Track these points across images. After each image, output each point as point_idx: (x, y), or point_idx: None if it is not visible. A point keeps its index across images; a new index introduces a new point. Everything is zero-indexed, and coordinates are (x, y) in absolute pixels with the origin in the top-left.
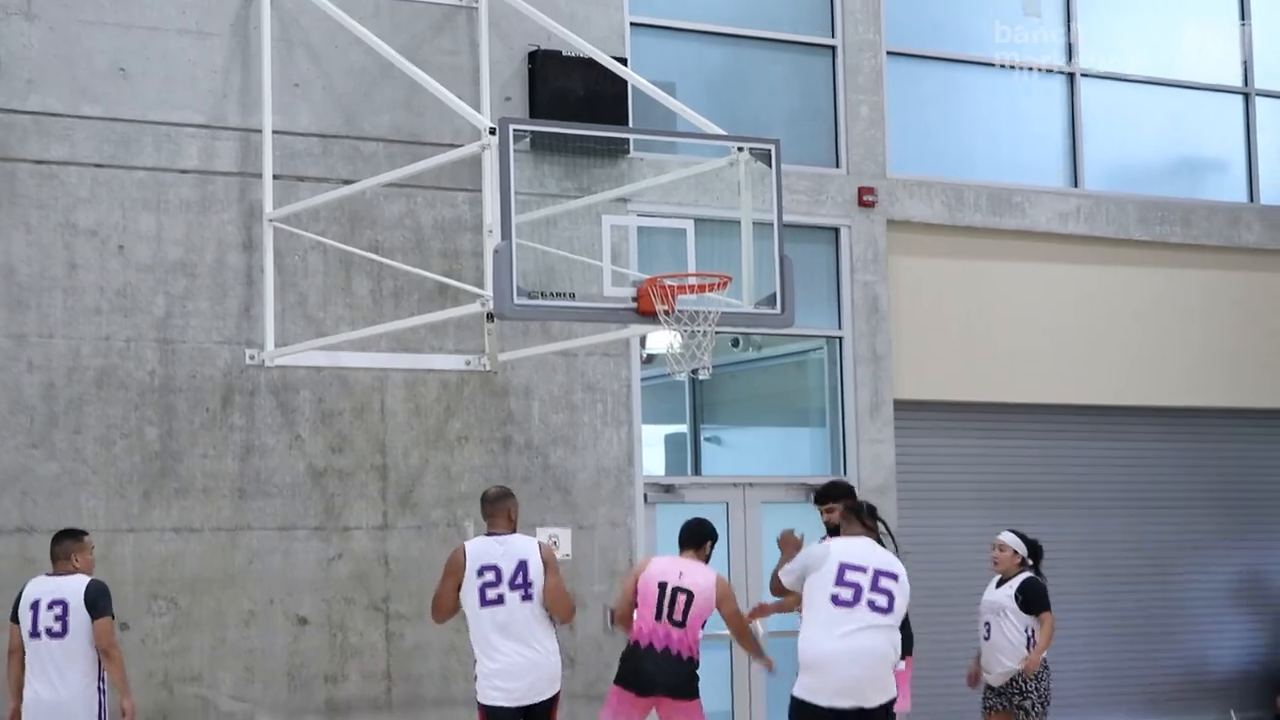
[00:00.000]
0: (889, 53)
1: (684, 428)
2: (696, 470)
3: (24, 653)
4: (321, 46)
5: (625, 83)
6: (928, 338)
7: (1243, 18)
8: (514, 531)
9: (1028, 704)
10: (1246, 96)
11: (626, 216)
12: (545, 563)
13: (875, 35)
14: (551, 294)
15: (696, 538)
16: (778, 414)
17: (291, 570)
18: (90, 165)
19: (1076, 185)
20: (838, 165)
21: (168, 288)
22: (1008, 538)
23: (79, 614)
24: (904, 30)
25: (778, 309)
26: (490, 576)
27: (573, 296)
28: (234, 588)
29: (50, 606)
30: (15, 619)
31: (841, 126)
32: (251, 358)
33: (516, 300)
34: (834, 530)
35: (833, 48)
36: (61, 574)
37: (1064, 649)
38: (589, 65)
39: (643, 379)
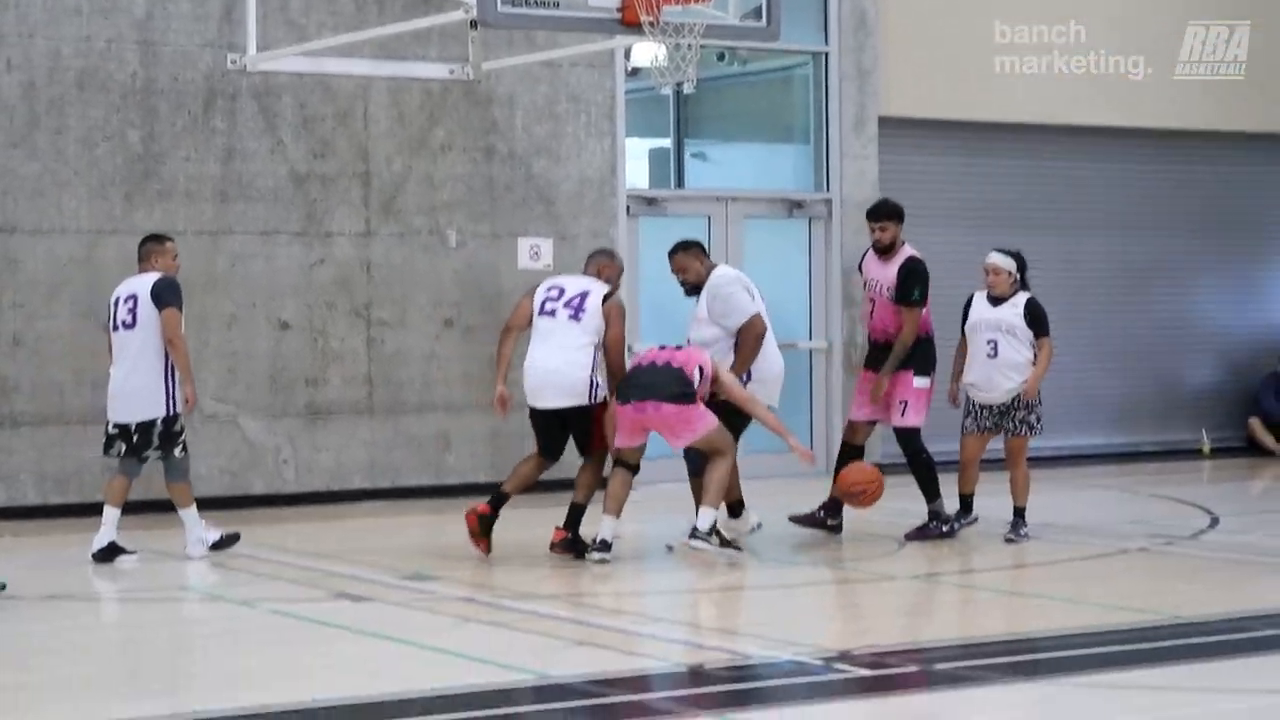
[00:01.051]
0: None
1: (668, 141)
2: (680, 184)
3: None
4: None
5: None
6: (916, 54)
7: None
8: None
9: (1032, 418)
10: None
11: None
12: (608, 313)
13: None
14: (536, 2)
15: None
16: (762, 129)
17: (274, 275)
18: None
19: None
20: None
21: None
22: (1000, 260)
23: (146, 307)
24: None
25: (764, 22)
26: (554, 294)
27: (557, 5)
28: (216, 291)
29: (125, 301)
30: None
31: None
32: (233, 62)
33: (500, 8)
34: (883, 250)
35: None
36: (142, 273)
37: None
38: None
39: (627, 91)
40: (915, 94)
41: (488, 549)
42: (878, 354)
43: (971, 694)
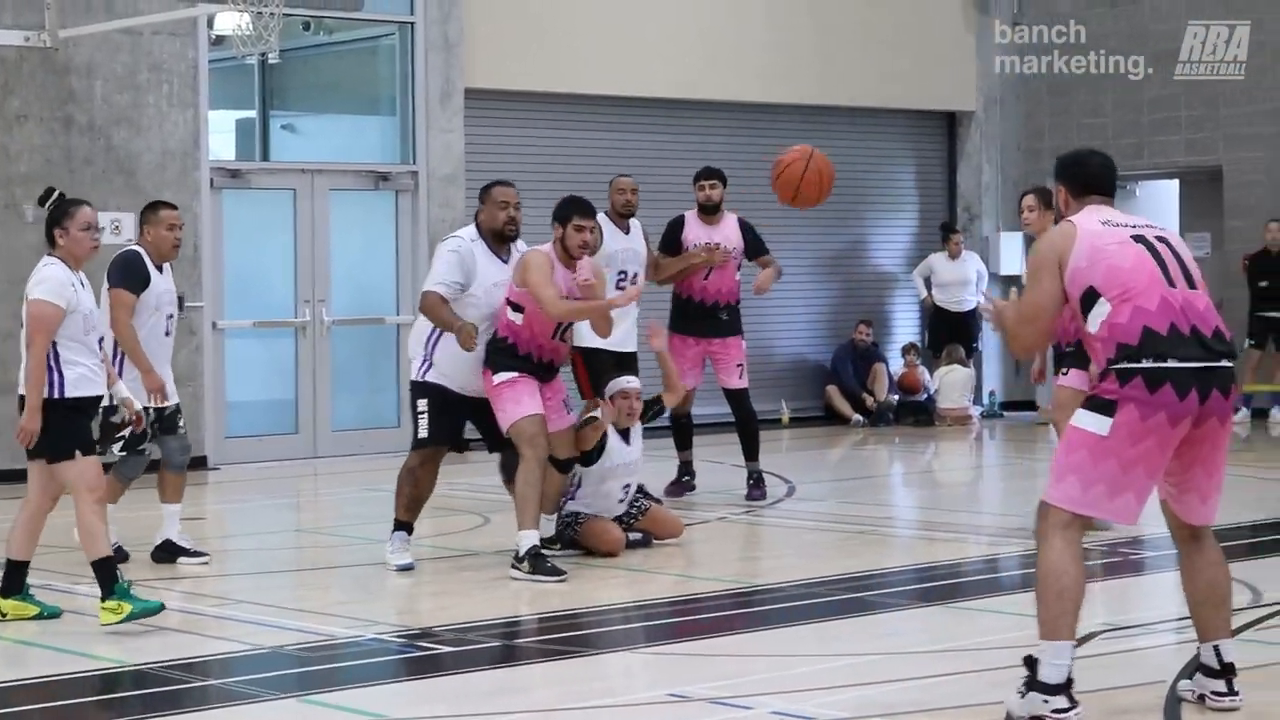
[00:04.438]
0: None
1: (253, 112)
2: (265, 156)
3: None
4: None
5: None
6: (502, 26)
7: None
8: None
9: None
10: None
11: None
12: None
13: None
14: None
15: None
16: (349, 100)
17: None
18: None
19: None
20: None
21: None
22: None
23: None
24: None
25: None
26: None
27: None
28: None
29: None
30: None
31: None
32: None
33: None
34: (713, 209)
35: None
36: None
37: None
38: None
39: (211, 60)
40: (502, 66)
41: None
42: (710, 318)
43: (534, 670)
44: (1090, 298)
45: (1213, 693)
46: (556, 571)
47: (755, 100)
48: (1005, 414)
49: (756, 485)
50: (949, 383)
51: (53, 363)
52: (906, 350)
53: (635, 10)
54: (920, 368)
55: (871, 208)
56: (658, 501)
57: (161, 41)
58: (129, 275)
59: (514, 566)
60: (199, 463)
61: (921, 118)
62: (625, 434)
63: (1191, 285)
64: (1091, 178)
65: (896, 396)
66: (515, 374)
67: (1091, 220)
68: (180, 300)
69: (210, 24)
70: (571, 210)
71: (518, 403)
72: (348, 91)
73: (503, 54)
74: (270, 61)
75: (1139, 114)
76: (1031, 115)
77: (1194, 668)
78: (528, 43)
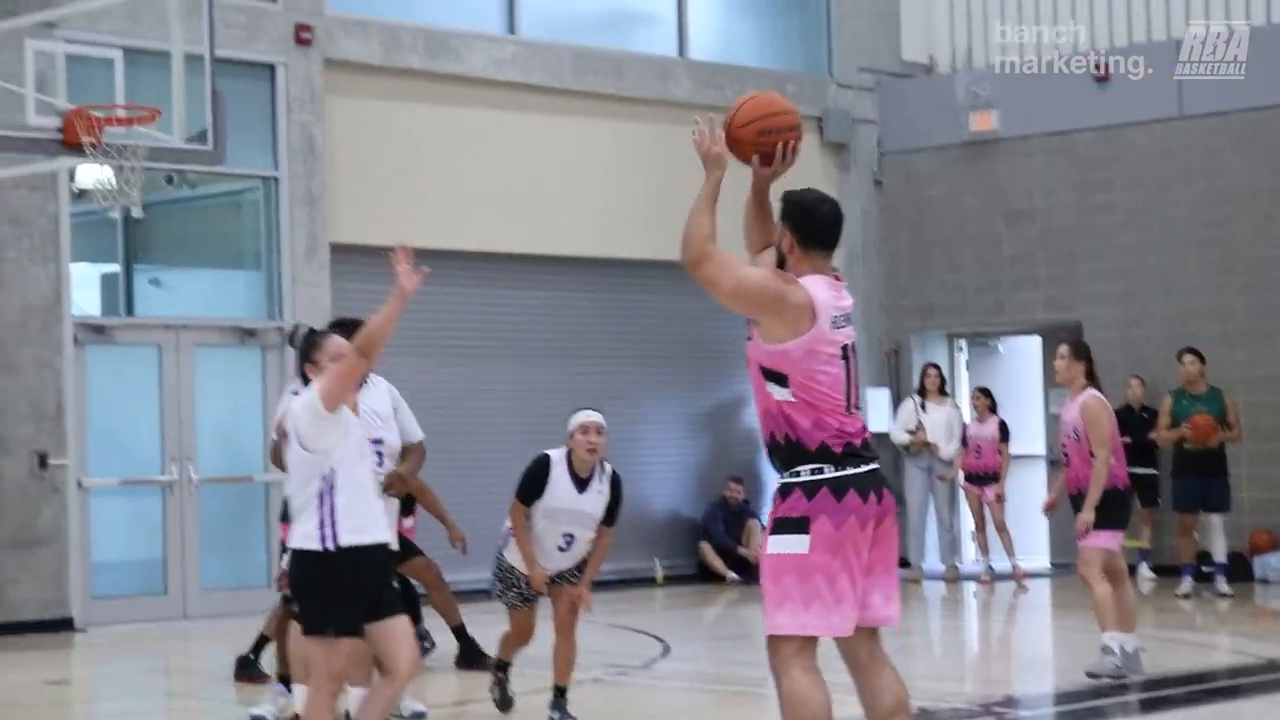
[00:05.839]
0: None
1: (117, 267)
2: (129, 311)
3: None
4: None
5: None
6: (365, 181)
7: None
8: None
9: None
10: None
11: (54, 42)
12: None
13: None
14: None
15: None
16: (214, 255)
17: None
18: None
19: (513, 32)
20: (274, 1)
21: None
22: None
23: None
24: None
25: (209, 145)
26: None
27: None
28: None
29: None
30: None
31: None
32: None
33: None
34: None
35: None
36: None
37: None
38: None
39: (73, 214)
40: (366, 221)
41: None
42: None
43: None
44: (779, 378)
45: None
46: None
47: (616, 256)
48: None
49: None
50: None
51: None
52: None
53: (493, 167)
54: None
55: (740, 365)
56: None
57: (22, 195)
58: None
59: None
60: (65, 624)
61: None
62: (581, 481)
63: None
64: (819, 230)
65: None
66: None
67: (822, 297)
68: None
69: (72, 177)
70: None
71: None
72: (212, 246)
73: (366, 209)
74: (134, 215)
75: (999, 271)
76: (892, 274)
77: None
78: (390, 198)
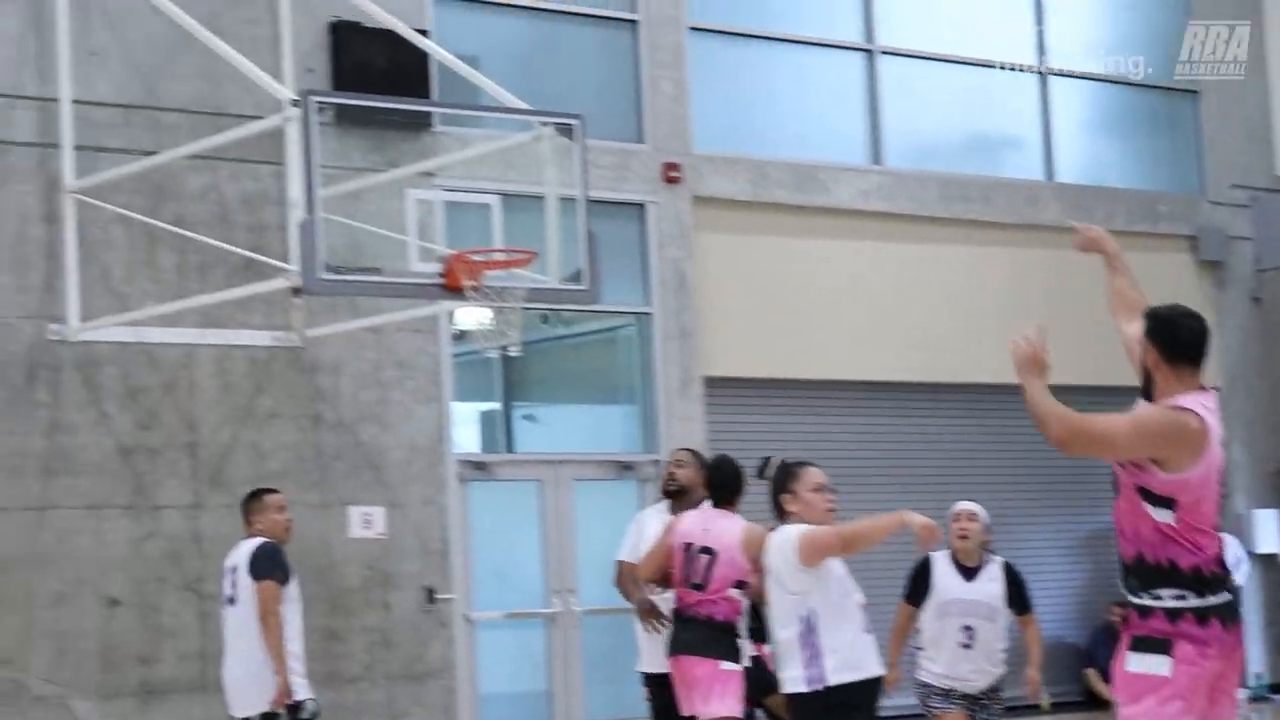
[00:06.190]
0: (691, 28)
1: (496, 404)
2: (509, 447)
3: None
4: (119, 13)
5: (428, 56)
6: (735, 314)
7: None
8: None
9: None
10: (1042, 75)
11: (432, 191)
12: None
13: (676, 11)
14: (358, 269)
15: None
16: (589, 391)
17: (102, 549)
18: None
19: (878, 163)
20: (642, 141)
21: None
22: (978, 507)
23: (245, 579)
24: (706, 6)
25: (584, 285)
26: None
27: (379, 272)
28: (42, 568)
29: (229, 572)
30: None
31: (645, 102)
32: (55, 333)
33: (322, 275)
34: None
35: (634, 23)
36: (247, 537)
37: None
38: (391, 37)
39: (453, 355)
40: (737, 353)
41: None
42: None
43: None
44: (1165, 502)
45: None
46: None
47: (990, 381)
48: (1274, 696)
49: None
50: None
51: None
52: None
53: (862, 297)
54: None
55: None
56: None
57: (405, 338)
58: (281, 563)
59: None
60: None
61: None
62: (968, 571)
63: None
64: (1185, 345)
65: None
66: None
67: (1210, 419)
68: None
69: (452, 320)
70: None
71: None
72: (587, 381)
73: (737, 342)
74: (511, 354)
75: None
76: (1275, 390)
77: None
78: (760, 330)
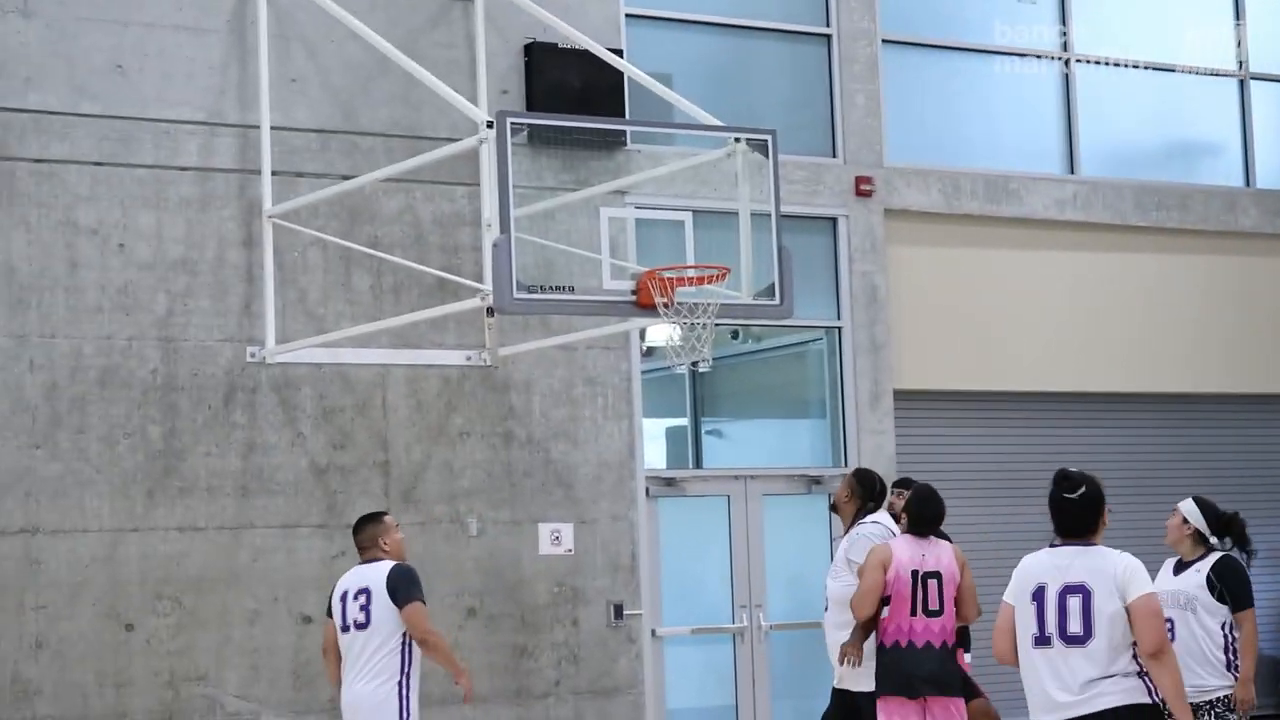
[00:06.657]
0: (884, 41)
1: (685, 420)
2: (698, 463)
3: (339, 650)
4: (318, 41)
5: (621, 75)
6: (926, 327)
7: (1237, 4)
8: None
9: None
10: (1241, 81)
11: (624, 209)
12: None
13: (870, 24)
14: (551, 287)
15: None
16: (778, 405)
17: (295, 568)
18: (89, 163)
19: (1073, 172)
20: (835, 155)
21: (169, 286)
22: (1185, 506)
23: (382, 602)
24: (899, 18)
25: (776, 300)
26: None
27: (572, 290)
28: (238, 586)
29: (356, 597)
30: (330, 614)
31: (838, 116)
32: (253, 355)
33: (516, 294)
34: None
35: (828, 37)
36: (368, 562)
37: None
38: (585, 57)
39: (643, 372)
40: (928, 366)
41: None
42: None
43: None
44: None
45: None
46: None
47: (1187, 390)
48: None
49: None
50: None
51: None
52: None
53: (1056, 308)
54: None
55: None
56: None
57: (595, 355)
58: (420, 584)
59: None
60: None
61: None
62: (1181, 565)
63: None
64: None
65: None
66: None
67: None
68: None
69: (642, 336)
70: None
71: None
72: (776, 396)
73: (929, 355)
74: (701, 370)
75: None
76: None
77: None
78: (952, 343)
